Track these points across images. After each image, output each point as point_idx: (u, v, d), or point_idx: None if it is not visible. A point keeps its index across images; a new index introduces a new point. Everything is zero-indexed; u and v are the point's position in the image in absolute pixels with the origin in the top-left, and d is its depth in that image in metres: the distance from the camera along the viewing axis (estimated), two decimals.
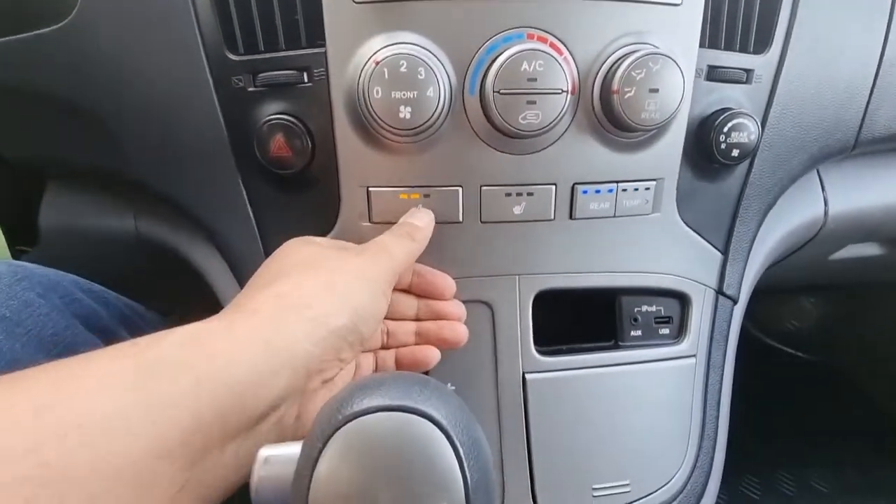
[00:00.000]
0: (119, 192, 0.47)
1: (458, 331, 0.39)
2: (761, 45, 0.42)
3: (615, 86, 0.35)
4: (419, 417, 0.19)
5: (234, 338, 0.26)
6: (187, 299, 0.51)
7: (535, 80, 0.34)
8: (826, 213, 0.53)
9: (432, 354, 0.38)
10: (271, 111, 0.38)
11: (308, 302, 0.29)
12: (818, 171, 0.54)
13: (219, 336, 0.26)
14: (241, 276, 0.43)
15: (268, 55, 0.37)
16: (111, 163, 0.43)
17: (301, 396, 0.29)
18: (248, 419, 0.25)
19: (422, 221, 0.38)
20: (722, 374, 0.47)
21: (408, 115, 0.34)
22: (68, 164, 0.48)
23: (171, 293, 0.59)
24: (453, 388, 0.42)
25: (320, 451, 0.19)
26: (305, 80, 0.37)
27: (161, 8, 0.37)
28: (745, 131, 0.40)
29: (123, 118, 0.40)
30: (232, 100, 0.38)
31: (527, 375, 0.42)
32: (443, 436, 0.19)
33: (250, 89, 0.38)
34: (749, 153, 0.41)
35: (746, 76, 0.42)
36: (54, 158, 0.48)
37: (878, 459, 0.99)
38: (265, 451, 0.22)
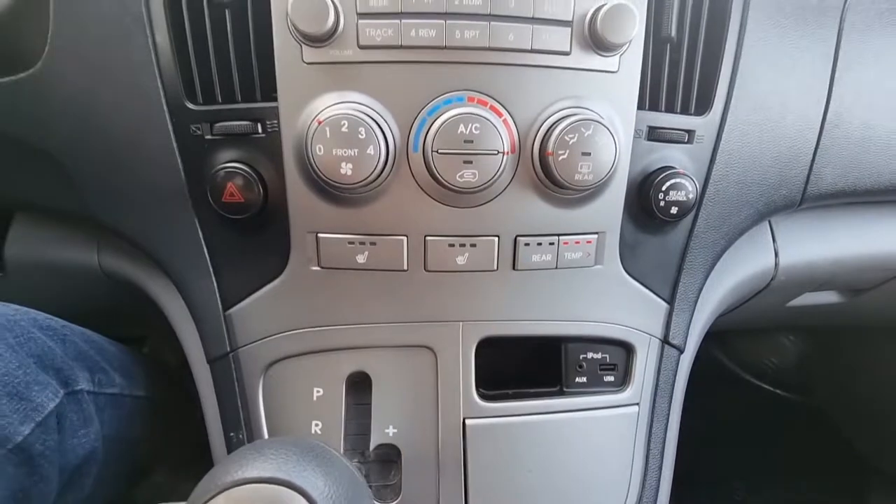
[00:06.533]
0: (83, 228, 0.48)
1: None
2: (702, 107, 0.43)
3: (550, 148, 0.37)
4: (290, 490, 0.19)
5: None
6: (149, 326, 0.52)
7: (472, 141, 0.36)
8: (777, 264, 0.54)
9: None
10: (226, 158, 0.40)
11: None
12: (770, 223, 0.55)
13: None
14: (195, 308, 0.44)
15: (225, 106, 0.39)
16: (71, 205, 0.44)
17: None
18: None
19: None
20: (667, 424, 0.48)
21: (349, 172, 0.35)
22: (28, 203, 0.49)
23: (134, 320, 0.60)
24: (395, 430, 0.43)
25: None
26: (260, 131, 0.39)
27: (125, 59, 0.39)
28: (683, 190, 0.41)
29: (83, 163, 0.42)
30: (190, 146, 0.40)
31: (467, 421, 0.43)
32: None
33: (207, 137, 0.40)
34: (688, 210, 0.42)
35: (688, 136, 0.43)
36: (15, 198, 0.49)
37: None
38: None
